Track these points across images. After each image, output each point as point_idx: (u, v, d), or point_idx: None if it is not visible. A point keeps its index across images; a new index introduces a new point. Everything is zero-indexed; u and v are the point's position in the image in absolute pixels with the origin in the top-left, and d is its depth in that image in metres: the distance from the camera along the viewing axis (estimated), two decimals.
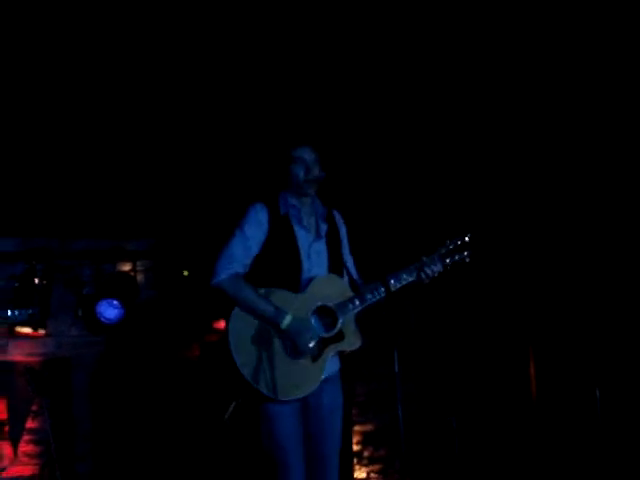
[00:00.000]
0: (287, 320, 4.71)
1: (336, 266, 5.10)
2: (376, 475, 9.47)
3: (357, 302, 4.92)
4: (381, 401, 9.28)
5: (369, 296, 4.94)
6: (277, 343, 4.76)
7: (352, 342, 4.93)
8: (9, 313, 5.53)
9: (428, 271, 5.01)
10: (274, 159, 5.10)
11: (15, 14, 5.49)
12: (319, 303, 4.86)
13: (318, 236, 5.06)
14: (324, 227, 5.11)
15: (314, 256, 5.01)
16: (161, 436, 8.32)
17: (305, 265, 4.95)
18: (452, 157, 8.01)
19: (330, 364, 4.94)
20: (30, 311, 5.65)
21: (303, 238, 5.00)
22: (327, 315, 4.87)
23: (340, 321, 4.86)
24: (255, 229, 4.91)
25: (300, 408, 4.88)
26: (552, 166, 8.01)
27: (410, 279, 5.01)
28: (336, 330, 4.85)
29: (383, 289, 4.95)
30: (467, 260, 5.14)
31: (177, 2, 5.74)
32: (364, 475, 9.43)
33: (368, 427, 9.52)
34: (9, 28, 5.64)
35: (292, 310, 4.76)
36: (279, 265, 4.90)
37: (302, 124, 6.90)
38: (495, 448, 8.83)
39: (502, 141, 7.71)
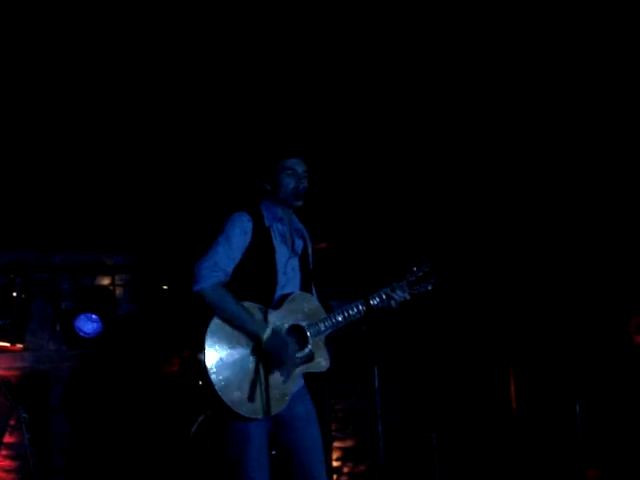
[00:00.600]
0: (267, 334, 4.68)
1: (307, 284, 5.05)
2: None
3: (329, 324, 4.88)
4: (361, 417, 9.27)
5: (340, 318, 4.90)
6: (252, 359, 4.70)
7: (321, 364, 4.88)
8: None
9: (398, 297, 5.00)
10: (259, 168, 5.05)
11: (15, 14, 5.45)
12: (292, 322, 4.82)
13: (294, 253, 5.01)
14: (300, 244, 5.05)
15: (290, 272, 4.95)
16: (138, 451, 8.29)
17: (281, 281, 4.89)
18: (424, 177, 8.00)
19: (299, 379, 4.91)
20: (1, 322, 5.61)
21: (281, 253, 4.93)
22: (299, 334, 4.83)
23: (310, 342, 4.82)
24: (241, 239, 4.83)
25: (270, 428, 4.82)
26: (527, 183, 8.01)
27: (380, 305, 4.99)
28: (307, 351, 4.81)
29: (356, 311, 4.91)
30: (429, 289, 5.13)
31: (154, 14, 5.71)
32: None
33: (348, 443, 9.50)
34: (7, 31, 5.61)
35: (270, 326, 4.72)
36: (255, 278, 4.83)
37: (286, 134, 6.91)
38: (475, 465, 8.83)
39: (475, 154, 7.70)
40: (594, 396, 7.89)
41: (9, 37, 5.62)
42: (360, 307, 4.92)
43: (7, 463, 8.09)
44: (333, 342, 4.97)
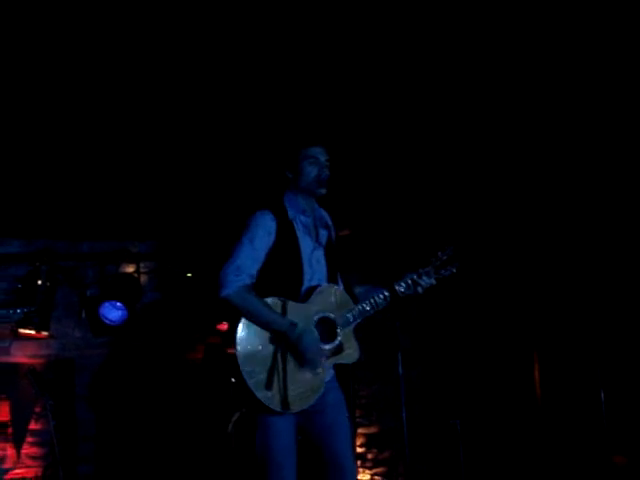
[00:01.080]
0: (297, 331, 4.66)
1: (333, 275, 5.04)
2: (380, 477, 9.45)
3: (357, 314, 4.86)
4: (385, 403, 9.27)
5: (368, 307, 4.88)
6: (285, 354, 4.71)
7: (351, 355, 4.87)
8: (5, 312, 5.51)
9: (424, 282, 4.96)
10: (281, 157, 5.04)
11: (15, 14, 5.47)
12: (321, 314, 4.81)
13: (318, 244, 5.00)
14: (324, 234, 5.05)
15: (315, 264, 4.94)
16: (163, 438, 8.31)
17: (307, 273, 4.89)
18: (449, 162, 7.97)
19: (329, 370, 4.91)
20: (27, 309, 5.63)
21: (306, 245, 4.93)
22: (327, 326, 4.82)
23: (340, 333, 4.82)
24: (264, 239, 4.82)
25: (298, 421, 4.81)
26: (552, 169, 7.96)
27: (407, 292, 4.95)
28: (337, 342, 4.81)
29: (382, 298, 4.89)
30: (454, 271, 5.08)
31: (179, 1, 5.71)
32: (368, 477, 9.42)
33: (372, 429, 9.51)
34: (7, 30, 5.62)
35: (299, 320, 4.71)
36: (281, 273, 4.84)
37: (308, 119, 6.89)
38: (499, 451, 8.81)
39: (500, 140, 7.66)
40: (619, 382, 7.85)
41: (11, 37, 5.63)
42: (386, 294, 4.90)
43: (33, 450, 8.13)
44: (356, 329, 4.97)
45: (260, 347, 4.69)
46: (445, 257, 5.05)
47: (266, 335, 4.70)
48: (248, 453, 7.58)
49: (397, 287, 4.92)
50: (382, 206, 8.46)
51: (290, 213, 4.93)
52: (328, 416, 4.87)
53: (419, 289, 4.96)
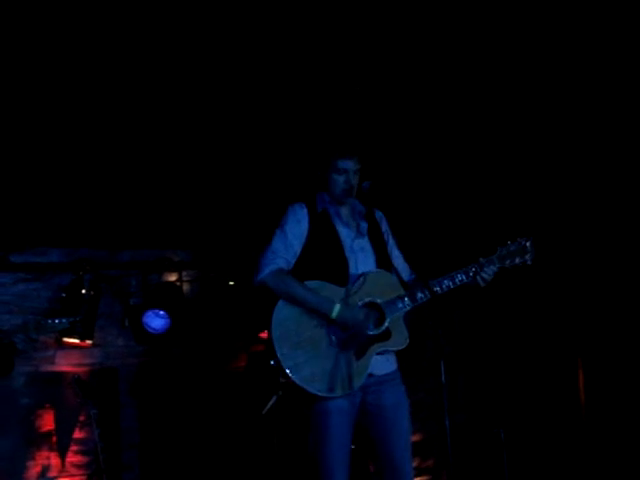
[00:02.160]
0: (337, 309, 4.67)
1: (383, 263, 5.03)
2: None
3: (407, 300, 4.83)
4: (428, 411, 9.22)
5: (420, 295, 4.83)
6: (323, 336, 4.72)
7: (399, 342, 4.85)
8: (51, 321, 5.56)
9: (485, 274, 4.90)
10: (315, 164, 5.07)
11: (15, 14, 5.49)
12: (367, 299, 4.80)
13: (360, 234, 5.02)
14: (364, 225, 5.06)
15: (359, 253, 4.96)
16: (207, 446, 8.32)
17: (351, 260, 4.91)
18: (515, 154, 7.93)
19: (385, 364, 4.90)
20: (72, 319, 5.68)
21: (345, 234, 4.98)
22: (375, 312, 4.81)
23: (388, 319, 4.79)
24: (294, 227, 4.92)
25: (353, 415, 4.82)
26: (599, 177, 7.92)
27: (465, 280, 4.89)
28: (383, 328, 4.78)
29: (436, 289, 4.83)
30: (528, 263, 5.00)
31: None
32: None
33: (415, 437, 9.44)
34: (8, 31, 5.64)
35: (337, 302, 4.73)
36: (324, 261, 4.88)
37: (342, 127, 6.89)
38: (544, 460, 8.74)
39: (570, 143, 7.62)
40: None
41: (13, 37, 5.66)
42: (445, 283, 4.86)
43: (77, 458, 8.15)
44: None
45: (298, 329, 4.71)
46: (513, 248, 4.99)
47: (305, 317, 4.73)
48: (288, 454, 7.60)
49: (456, 276, 4.87)
50: (438, 205, 8.44)
51: (320, 206, 5.01)
52: (388, 420, 4.88)
53: (480, 279, 4.90)
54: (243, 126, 7.17)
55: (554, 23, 6.10)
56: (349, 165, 4.95)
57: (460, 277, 4.88)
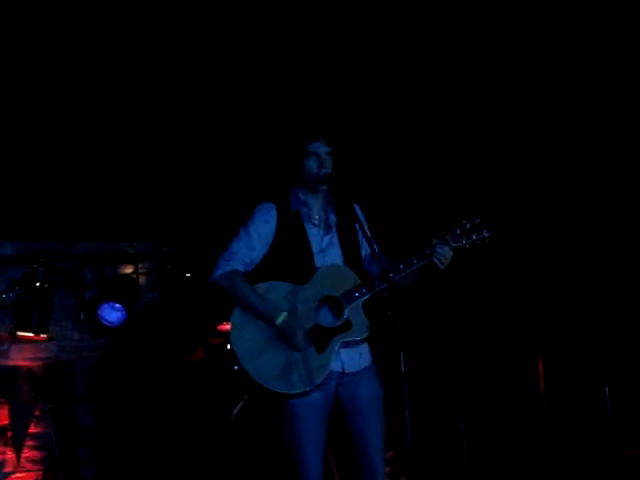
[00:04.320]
0: (282, 317, 4.67)
1: (351, 256, 4.98)
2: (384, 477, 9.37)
3: (364, 290, 4.78)
4: (388, 403, 9.20)
5: (377, 283, 4.79)
6: (279, 337, 4.70)
7: (360, 331, 4.81)
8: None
9: (441, 255, 4.82)
10: (285, 153, 5.01)
11: (15, 14, 5.44)
12: (325, 293, 4.77)
13: (328, 229, 4.97)
14: (333, 218, 5.01)
15: (328, 249, 4.92)
16: (164, 440, 8.27)
17: (318, 260, 4.86)
18: (462, 145, 7.94)
19: (358, 360, 4.89)
20: (18, 291, 5.63)
21: (314, 234, 4.92)
22: (334, 305, 4.78)
23: (346, 310, 4.75)
24: (260, 227, 4.87)
25: (326, 408, 4.80)
26: (557, 161, 7.95)
27: (421, 262, 4.81)
28: (342, 320, 4.75)
29: (392, 275, 4.77)
30: (486, 240, 4.94)
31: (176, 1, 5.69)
32: None
33: None
34: (7, 31, 5.59)
35: (298, 302, 4.71)
36: (291, 262, 4.83)
37: (309, 116, 6.85)
38: (504, 449, 8.76)
39: (517, 134, 7.64)
40: (624, 376, 7.80)
41: (15, 36, 5.61)
42: (400, 267, 4.80)
43: (33, 454, 8.09)
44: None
45: (255, 332, 4.70)
46: (468, 226, 4.92)
47: (260, 320, 4.71)
48: (248, 448, 7.56)
49: (409, 260, 4.81)
50: (394, 190, 8.42)
51: (294, 205, 4.94)
52: (362, 414, 4.87)
53: (436, 261, 4.81)
54: (202, 116, 7.12)
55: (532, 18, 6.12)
56: (319, 147, 4.87)
57: (415, 260, 4.82)
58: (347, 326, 4.77)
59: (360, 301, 4.80)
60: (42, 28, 5.65)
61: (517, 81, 7.08)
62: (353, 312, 4.78)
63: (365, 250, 5.07)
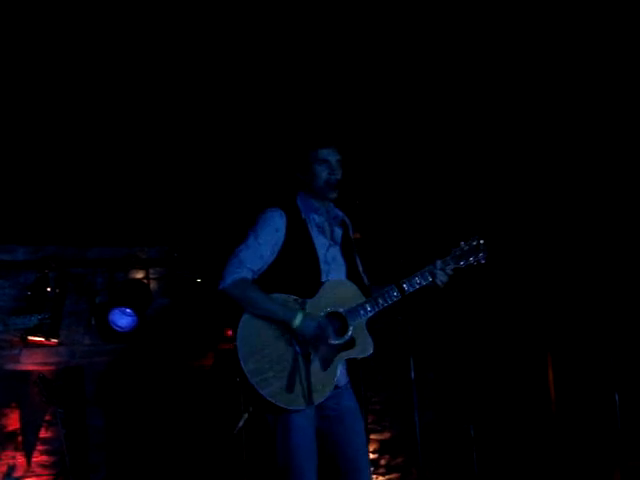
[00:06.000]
0: (299, 317, 4.63)
1: (353, 272, 5.01)
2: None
3: (369, 308, 4.80)
4: (397, 409, 9.20)
5: (381, 301, 4.81)
6: (287, 350, 4.68)
7: (364, 349, 4.81)
8: (18, 320, 5.49)
9: (442, 275, 4.88)
10: (294, 159, 5.00)
11: (15, 14, 5.45)
12: (329, 309, 4.76)
13: (334, 242, 4.97)
14: (339, 232, 5.02)
15: (332, 262, 4.92)
16: (175, 445, 8.27)
17: (324, 271, 4.86)
18: (464, 159, 7.93)
19: (344, 375, 4.90)
20: (38, 317, 5.62)
21: (321, 244, 4.91)
22: (338, 321, 4.77)
23: (351, 328, 4.75)
24: (270, 236, 4.82)
25: (316, 422, 4.80)
26: (568, 170, 7.93)
27: (424, 283, 4.86)
28: (347, 337, 4.75)
29: (396, 293, 4.81)
30: (482, 262, 4.99)
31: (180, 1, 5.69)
32: None
33: (385, 435, 9.43)
34: (8, 30, 5.60)
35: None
36: (297, 272, 4.81)
37: (319, 122, 6.85)
38: (514, 455, 8.75)
39: (521, 144, 7.63)
40: (633, 384, 7.80)
41: (13, 36, 5.62)
42: (404, 287, 4.83)
43: (43, 458, 8.08)
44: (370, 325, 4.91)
45: (263, 343, 4.66)
46: (467, 247, 4.97)
47: (269, 330, 4.67)
48: (258, 455, 7.55)
49: (414, 278, 4.85)
50: (392, 209, 8.42)
51: (303, 212, 4.91)
52: (347, 425, 4.89)
53: (437, 280, 4.87)
54: (214, 122, 7.14)
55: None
56: (330, 155, 4.88)
57: (418, 280, 4.87)
58: (351, 344, 4.77)
59: (365, 318, 4.81)
60: (43, 29, 5.64)
61: (520, 95, 7.08)
62: (357, 329, 4.79)
63: (359, 267, 5.12)
